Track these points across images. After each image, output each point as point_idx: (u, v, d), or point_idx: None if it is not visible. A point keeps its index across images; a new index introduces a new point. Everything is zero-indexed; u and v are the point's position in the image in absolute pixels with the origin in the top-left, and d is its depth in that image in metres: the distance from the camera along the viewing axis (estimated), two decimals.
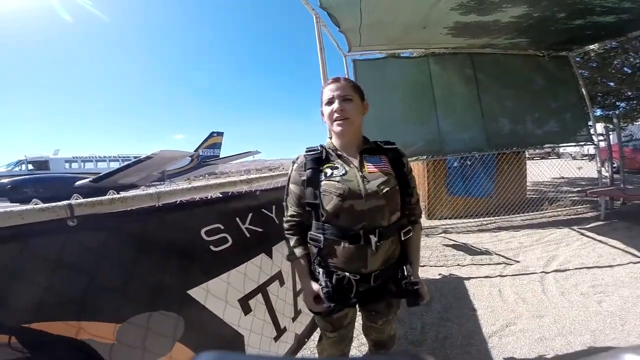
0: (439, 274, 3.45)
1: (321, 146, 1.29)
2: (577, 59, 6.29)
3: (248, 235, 1.50)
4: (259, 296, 1.53)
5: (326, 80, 3.33)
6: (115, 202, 0.99)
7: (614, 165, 6.18)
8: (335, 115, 1.20)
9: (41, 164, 17.15)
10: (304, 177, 1.23)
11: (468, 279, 3.27)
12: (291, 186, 1.29)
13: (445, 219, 5.70)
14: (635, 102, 7.82)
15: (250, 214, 1.54)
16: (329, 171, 1.20)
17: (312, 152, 1.27)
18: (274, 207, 1.72)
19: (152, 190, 1.16)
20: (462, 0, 3.47)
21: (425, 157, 5.38)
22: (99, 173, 14.89)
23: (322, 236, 1.19)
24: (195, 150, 23.64)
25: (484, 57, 5.50)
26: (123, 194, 1.10)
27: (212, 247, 1.29)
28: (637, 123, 8.99)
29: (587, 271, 3.18)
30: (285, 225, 1.30)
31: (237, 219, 1.48)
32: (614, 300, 2.58)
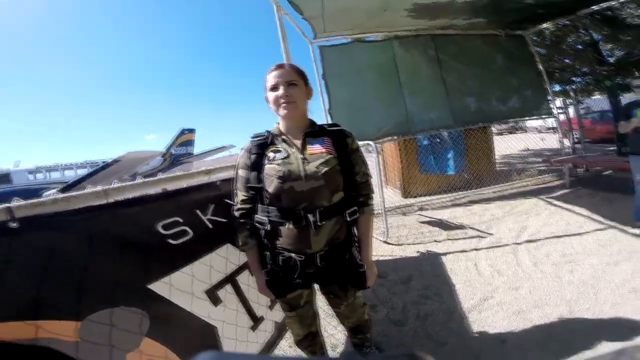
0: (417, 252, 3.46)
1: (267, 131, 1.33)
2: (534, 38, 6.52)
3: (211, 227, 1.48)
4: (228, 286, 1.53)
5: None
6: (58, 202, 1.00)
7: (576, 136, 6.46)
8: (281, 100, 1.21)
9: (2, 178, 15.99)
10: (250, 162, 1.26)
11: (445, 254, 3.30)
12: (239, 171, 1.31)
13: (420, 196, 5.78)
14: (589, 77, 8.16)
15: (212, 205, 1.52)
16: (271, 155, 1.23)
17: (257, 138, 1.31)
18: None
19: (98, 187, 1.15)
20: None
21: (396, 137, 5.46)
22: (67, 182, 14.04)
23: (266, 219, 1.23)
24: (166, 150, 22.91)
25: (445, 38, 5.63)
26: (67, 193, 1.09)
27: (170, 241, 1.28)
28: (594, 97, 9.50)
29: (557, 240, 3.27)
30: (237, 214, 1.30)
31: (198, 210, 1.45)
32: (585, 268, 2.64)
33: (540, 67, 6.09)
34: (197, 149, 25.44)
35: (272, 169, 1.20)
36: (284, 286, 1.29)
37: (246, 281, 1.62)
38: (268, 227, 1.23)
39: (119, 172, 13.76)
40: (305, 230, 1.19)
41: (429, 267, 3.05)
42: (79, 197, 1.06)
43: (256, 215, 1.26)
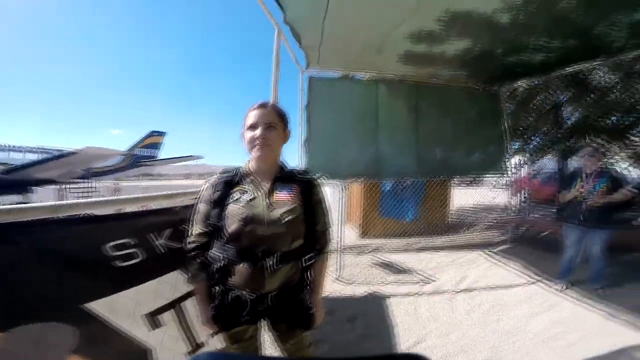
0: (365, 292, 3.60)
1: (237, 169, 1.33)
2: (507, 93, 6.79)
3: (163, 251, 1.48)
4: (172, 312, 1.51)
5: (276, 93, 3.35)
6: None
7: (524, 196, 7.02)
8: (257, 141, 1.22)
9: None
10: (214, 198, 1.27)
11: (390, 296, 3.46)
12: (201, 205, 1.31)
13: (377, 237, 6.03)
14: (547, 137, 8.50)
15: (168, 230, 1.53)
16: (237, 195, 1.24)
17: (225, 174, 1.31)
18: None
19: (49, 203, 1.12)
20: (416, 29, 3.68)
21: (363, 179, 5.58)
22: (13, 165, 13.13)
23: (222, 256, 1.23)
24: (130, 149, 21.89)
25: (427, 87, 5.83)
26: (16, 205, 1.05)
27: (117, 263, 1.27)
28: (547, 158, 9.95)
29: (490, 291, 3.57)
30: (190, 246, 1.30)
31: (152, 234, 1.46)
32: (510, 319, 2.93)
33: (506, 124, 6.43)
34: (164, 154, 24.73)
35: (235, 210, 1.20)
36: (230, 321, 1.27)
37: (191, 308, 1.60)
38: (222, 264, 1.23)
39: (72, 164, 13.04)
40: (261, 271, 1.20)
41: (374, 308, 3.19)
42: (27, 210, 1.04)
43: (211, 251, 1.26)
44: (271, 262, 1.20)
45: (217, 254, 1.24)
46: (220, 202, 1.24)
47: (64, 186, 15.12)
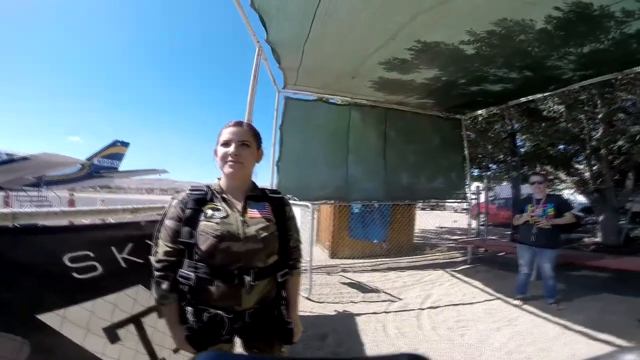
0: (335, 310, 3.60)
1: (207, 186, 1.30)
2: (468, 122, 7.34)
3: (124, 266, 1.44)
4: (131, 327, 1.45)
5: (251, 111, 3.35)
6: None
7: (482, 219, 7.42)
8: (229, 158, 1.21)
9: None
10: (183, 215, 1.21)
11: (359, 314, 3.48)
12: (168, 222, 1.23)
13: (345, 258, 6.10)
14: (502, 164, 9.19)
15: (130, 244, 1.48)
16: (209, 212, 1.20)
17: (196, 192, 1.27)
18: None
19: (7, 210, 1.10)
20: (388, 57, 3.93)
21: (333, 201, 5.67)
22: None
23: (194, 274, 1.17)
24: (89, 158, 20.56)
25: (396, 113, 6.16)
26: None
27: (75, 274, 1.22)
28: (502, 184, 10.58)
29: (453, 307, 3.69)
30: (157, 266, 1.21)
31: (113, 247, 1.41)
32: (473, 333, 3.04)
33: (466, 152, 6.88)
34: (125, 166, 23.48)
35: (209, 227, 1.17)
36: (206, 341, 1.20)
37: (152, 323, 1.56)
38: (193, 282, 1.17)
39: (23, 170, 11.91)
40: (237, 289, 1.17)
41: (344, 326, 3.19)
42: None
43: (181, 270, 1.20)
44: (248, 279, 1.17)
45: (188, 273, 1.18)
46: (191, 220, 1.19)
47: (11, 193, 13.83)
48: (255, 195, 1.31)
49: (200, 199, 1.24)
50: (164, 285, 1.20)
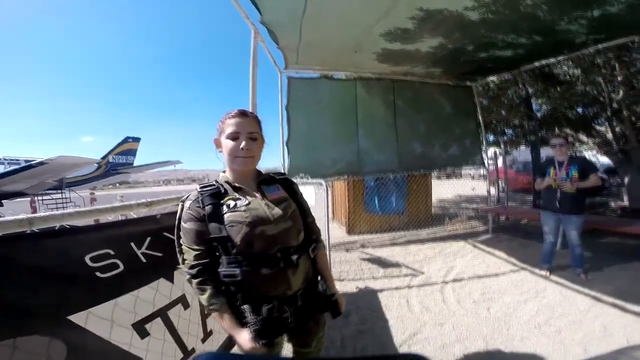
0: (356, 287, 3.60)
1: (215, 181, 1.26)
2: (479, 88, 7.07)
3: (144, 261, 1.44)
4: (158, 320, 1.47)
5: (254, 94, 3.28)
6: None
7: (501, 186, 7.24)
8: (240, 153, 1.18)
9: None
10: (204, 213, 1.16)
11: (381, 290, 3.48)
12: (187, 225, 1.18)
13: (363, 233, 6.09)
14: (519, 129, 8.87)
15: (149, 238, 1.48)
16: (231, 203, 1.17)
17: (208, 187, 1.22)
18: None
19: (22, 216, 1.07)
20: (390, 28, 3.72)
21: (346, 176, 5.62)
22: None
23: (238, 269, 1.12)
24: (104, 157, 21.08)
25: (404, 84, 5.96)
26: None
27: (98, 274, 1.23)
28: (521, 148, 10.33)
29: (478, 280, 3.63)
30: (192, 272, 1.15)
31: (132, 243, 1.41)
32: (500, 306, 2.98)
33: (480, 118, 6.68)
34: (138, 161, 23.97)
35: (237, 216, 1.14)
36: (273, 333, 1.15)
37: (178, 315, 1.58)
38: (240, 277, 1.12)
39: (43, 175, 12.30)
40: (284, 272, 1.17)
41: (366, 303, 3.18)
42: (1, 226, 1.01)
43: (221, 269, 1.15)
44: (295, 257, 1.19)
45: (231, 269, 1.13)
46: (214, 215, 1.14)
47: (36, 198, 14.43)
48: (265, 180, 1.32)
49: (215, 193, 1.20)
50: (208, 290, 1.14)
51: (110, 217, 1.45)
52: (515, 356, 2.24)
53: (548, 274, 3.61)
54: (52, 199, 15.21)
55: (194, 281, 1.15)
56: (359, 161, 5.57)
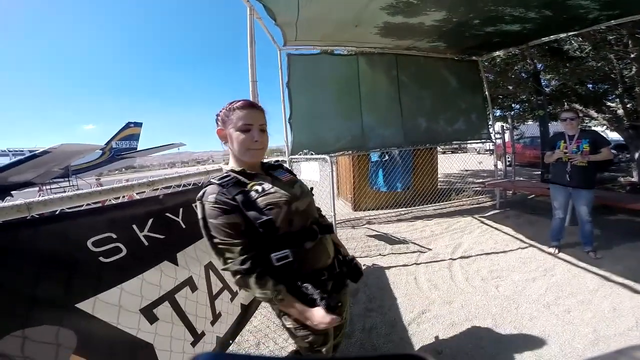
0: (364, 265, 3.59)
1: (232, 171, 1.21)
2: (485, 63, 6.94)
3: (147, 244, 1.40)
4: (166, 304, 1.45)
5: (253, 73, 3.18)
6: None
7: (508, 160, 7.13)
8: (253, 146, 1.17)
9: None
10: (235, 204, 1.10)
11: (389, 268, 3.48)
12: (217, 221, 1.09)
13: (368, 210, 6.08)
14: (526, 104, 8.74)
15: (151, 220, 1.44)
16: (259, 188, 1.16)
17: (227, 179, 1.16)
18: (181, 210, 1.61)
19: (19, 201, 1.04)
20: (391, 1, 3.56)
21: (350, 152, 5.58)
22: None
23: (288, 251, 1.12)
24: (107, 143, 21.11)
25: (407, 59, 5.83)
26: None
27: (101, 259, 1.19)
28: (528, 123, 10.23)
29: (486, 257, 3.61)
30: (246, 267, 1.08)
31: (134, 226, 1.37)
32: (508, 284, 2.97)
33: (487, 92, 6.59)
34: (142, 145, 23.91)
35: (272, 198, 1.13)
36: (336, 304, 1.13)
37: (186, 298, 1.56)
38: (291, 258, 1.12)
39: (48, 163, 12.38)
40: (322, 243, 1.24)
41: (374, 280, 3.19)
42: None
43: (273, 254, 1.12)
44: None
45: (281, 253, 1.11)
46: (249, 203, 1.11)
47: (44, 187, 14.58)
48: (271, 166, 1.35)
49: (238, 182, 1.16)
50: (270, 282, 1.10)
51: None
52: (525, 335, 2.23)
53: (557, 251, 3.58)
54: (60, 186, 15.33)
55: (251, 277, 1.08)
56: (363, 136, 5.53)
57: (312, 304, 1.11)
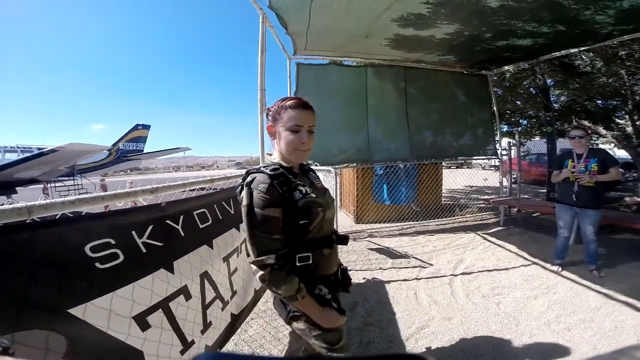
0: (364, 278, 3.56)
1: (277, 166, 1.19)
2: (495, 77, 6.94)
3: (144, 251, 1.39)
4: (159, 312, 1.43)
5: (262, 80, 3.23)
6: None
7: (514, 177, 7.08)
8: (302, 147, 1.18)
9: None
10: (290, 198, 1.13)
11: (389, 282, 3.43)
12: (266, 212, 1.08)
13: (371, 223, 6.03)
14: (534, 120, 8.74)
15: (151, 227, 1.43)
16: (303, 189, 1.18)
17: (276, 172, 1.15)
18: (181, 217, 1.60)
19: (20, 204, 1.04)
20: (402, 14, 3.60)
21: (355, 164, 5.56)
22: None
23: (310, 253, 1.18)
24: (114, 144, 21.37)
25: (416, 72, 5.84)
26: None
27: (97, 265, 1.18)
28: (535, 139, 10.16)
29: (487, 274, 3.56)
30: (279, 262, 1.09)
31: (133, 232, 1.36)
32: (509, 301, 2.92)
33: (495, 107, 6.54)
34: (149, 148, 24.28)
35: (313, 202, 1.16)
36: (342, 307, 1.26)
37: (179, 306, 1.56)
38: (310, 261, 1.17)
39: (55, 162, 12.53)
40: (335, 251, 1.30)
41: (374, 294, 3.15)
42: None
43: (299, 255, 1.16)
44: (334, 238, 1.28)
45: (304, 254, 1.17)
46: (296, 202, 1.14)
47: (49, 185, 14.75)
48: (308, 168, 1.38)
49: (286, 179, 1.16)
50: (295, 279, 1.12)
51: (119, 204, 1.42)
52: (523, 353, 2.19)
53: (560, 269, 3.52)
54: (64, 185, 15.48)
55: (281, 272, 1.09)
56: (369, 149, 5.52)
57: (325, 305, 1.19)
